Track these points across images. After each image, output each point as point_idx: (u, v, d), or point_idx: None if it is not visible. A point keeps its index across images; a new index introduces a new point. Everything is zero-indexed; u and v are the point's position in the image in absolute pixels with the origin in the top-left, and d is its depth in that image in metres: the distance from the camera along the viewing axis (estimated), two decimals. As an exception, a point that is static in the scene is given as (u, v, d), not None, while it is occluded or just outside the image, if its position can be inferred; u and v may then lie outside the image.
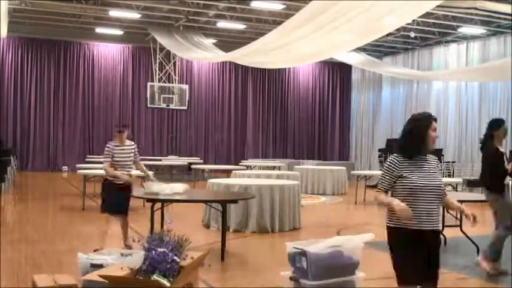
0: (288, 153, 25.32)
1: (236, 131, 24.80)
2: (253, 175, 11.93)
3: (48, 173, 20.86)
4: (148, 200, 7.00)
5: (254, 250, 8.08)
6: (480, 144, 6.86)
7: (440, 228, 4.18)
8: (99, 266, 4.65)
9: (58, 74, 22.24)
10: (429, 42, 21.69)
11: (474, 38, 19.99)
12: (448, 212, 7.05)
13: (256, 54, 14.84)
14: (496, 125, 6.72)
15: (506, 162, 6.49)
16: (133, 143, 7.66)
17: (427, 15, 16.61)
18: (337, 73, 26.65)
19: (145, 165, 8.16)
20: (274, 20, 17.82)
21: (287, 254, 4.64)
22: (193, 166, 18.23)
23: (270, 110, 25.68)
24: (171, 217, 6.89)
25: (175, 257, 3.89)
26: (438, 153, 20.06)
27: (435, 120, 4.01)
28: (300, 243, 4.66)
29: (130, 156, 7.42)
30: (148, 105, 22.53)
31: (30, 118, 21.80)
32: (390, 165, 3.94)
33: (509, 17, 15.61)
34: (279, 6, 16.68)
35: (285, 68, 24.86)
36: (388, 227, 3.99)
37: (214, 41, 20.72)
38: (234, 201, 7.67)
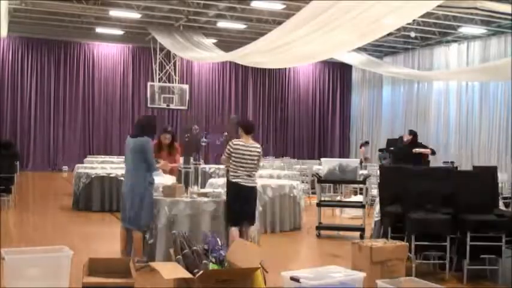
0: (288, 153, 25.30)
1: (236, 130, 24.76)
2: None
3: (48, 173, 20.86)
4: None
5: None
6: None
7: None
8: None
9: (58, 74, 22.23)
10: (430, 42, 21.68)
11: (474, 37, 19.99)
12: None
13: (256, 54, 14.82)
14: None
15: None
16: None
17: (428, 15, 16.59)
18: (337, 73, 26.64)
19: None
20: (274, 20, 17.81)
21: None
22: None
23: (270, 110, 25.68)
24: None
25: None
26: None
27: None
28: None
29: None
30: (149, 105, 22.51)
31: (30, 118, 21.79)
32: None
33: (510, 17, 15.59)
34: (279, 6, 16.66)
35: (285, 68, 24.85)
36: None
37: (215, 41, 20.72)
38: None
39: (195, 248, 5.26)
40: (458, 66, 20.64)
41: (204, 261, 4.97)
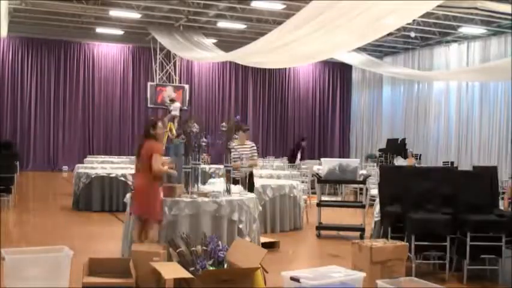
0: (288, 153, 25.30)
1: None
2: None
3: (48, 173, 20.85)
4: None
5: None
6: None
7: None
8: None
9: (58, 74, 22.22)
10: (430, 42, 21.68)
11: (475, 38, 19.99)
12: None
13: (256, 54, 14.82)
14: None
15: None
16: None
17: (428, 15, 16.59)
18: (337, 73, 26.64)
19: None
20: (274, 20, 17.81)
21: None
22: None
23: (270, 110, 25.68)
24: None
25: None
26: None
27: None
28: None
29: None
30: (149, 105, 22.53)
31: (30, 118, 21.78)
32: None
33: (510, 17, 15.60)
34: (279, 6, 16.67)
35: (285, 68, 24.85)
36: None
37: (215, 41, 20.72)
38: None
39: (193, 248, 5.27)
40: (458, 66, 20.64)
41: (202, 262, 4.98)
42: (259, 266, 4.88)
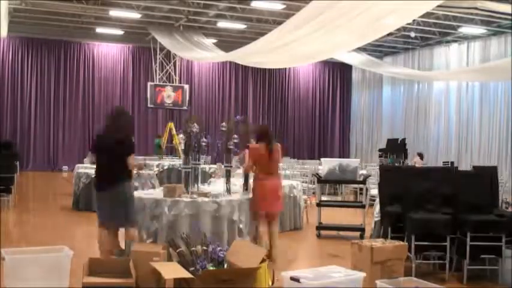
0: (288, 153, 25.30)
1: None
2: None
3: (48, 173, 20.85)
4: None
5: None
6: None
7: None
8: None
9: (58, 74, 22.23)
10: (430, 42, 21.68)
11: (474, 38, 19.99)
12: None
13: (256, 54, 14.83)
14: None
15: None
16: None
17: (428, 15, 16.59)
18: (337, 73, 26.65)
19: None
20: (274, 20, 17.81)
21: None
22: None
23: (270, 110, 25.68)
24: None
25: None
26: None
27: None
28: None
29: None
30: (149, 105, 22.53)
31: (31, 118, 21.79)
32: None
33: (510, 17, 15.60)
34: (279, 6, 16.67)
35: (285, 68, 24.86)
36: None
37: (215, 41, 20.72)
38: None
39: (193, 248, 5.27)
40: (458, 66, 20.64)
41: (202, 263, 4.99)
42: (259, 266, 4.88)
